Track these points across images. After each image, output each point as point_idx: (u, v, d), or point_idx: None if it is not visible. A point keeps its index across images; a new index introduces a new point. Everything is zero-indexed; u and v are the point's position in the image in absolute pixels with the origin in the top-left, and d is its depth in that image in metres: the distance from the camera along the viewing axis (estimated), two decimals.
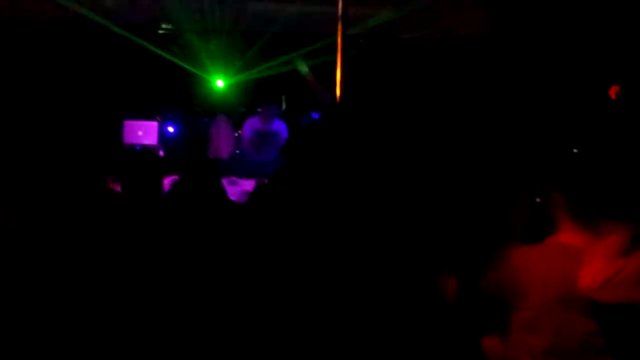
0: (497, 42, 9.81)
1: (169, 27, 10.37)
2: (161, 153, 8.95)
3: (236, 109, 10.24)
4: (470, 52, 9.11)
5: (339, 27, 7.22)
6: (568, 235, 3.00)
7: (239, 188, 7.35)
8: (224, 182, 7.22)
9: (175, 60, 10.21)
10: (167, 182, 7.37)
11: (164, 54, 10.15)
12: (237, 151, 9.25)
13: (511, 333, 3.00)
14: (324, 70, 9.28)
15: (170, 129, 9.60)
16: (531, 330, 2.93)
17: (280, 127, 9.11)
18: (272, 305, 2.80)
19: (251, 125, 9.19)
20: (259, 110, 9.35)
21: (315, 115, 9.25)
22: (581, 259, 2.86)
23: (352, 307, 2.77)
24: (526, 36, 9.53)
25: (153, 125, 9.01)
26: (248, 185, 7.40)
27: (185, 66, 10.30)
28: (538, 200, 3.45)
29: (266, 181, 5.25)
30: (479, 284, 3.04)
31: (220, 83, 10.54)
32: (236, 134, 9.61)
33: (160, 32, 10.40)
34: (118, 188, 3.88)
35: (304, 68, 8.85)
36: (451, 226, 3.29)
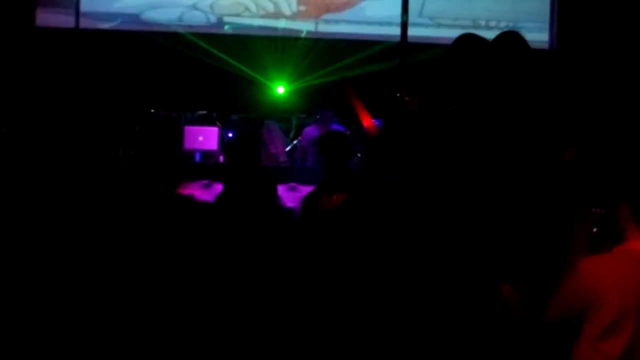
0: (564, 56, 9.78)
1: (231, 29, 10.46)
2: (221, 158, 9.01)
3: (294, 115, 10.27)
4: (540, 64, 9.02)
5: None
6: (637, 243, 2.97)
7: (298, 194, 7.34)
8: (284, 188, 7.25)
9: (238, 65, 10.28)
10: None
11: (227, 58, 10.23)
12: (296, 158, 9.26)
13: (580, 345, 2.96)
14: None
15: (230, 135, 9.65)
16: (607, 339, 2.88)
17: None
18: (334, 308, 2.80)
19: (309, 133, 9.18)
20: (317, 117, 9.35)
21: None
22: None
23: (413, 312, 2.75)
24: (591, 50, 9.47)
25: (213, 130, 9.08)
26: (308, 191, 7.39)
27: (247, 72, 10.37)
28: (599, 211, 3.39)
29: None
30: (546, 296, 3.01)
31: (281, 89, 10.58)
32: (295, 141, 9.63)
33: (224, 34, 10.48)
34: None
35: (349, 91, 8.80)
36: (517, 236, 3.25)
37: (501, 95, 3.71)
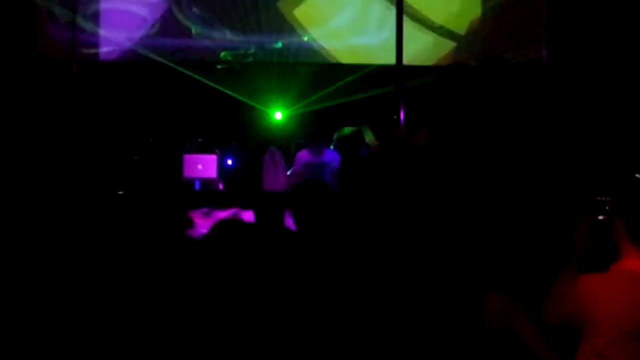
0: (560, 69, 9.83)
1: (228, 62, 10.53)
2: (220, 186, 9.02)
3: (293, 141, 10.29)
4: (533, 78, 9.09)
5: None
6: (633, 262, 2.97)
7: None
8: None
9: (234, 94, 10.34)
10: (227, 214, 7.44)
11: (222, 88, 10.29)
12: (291, 183, 9.27)
13: (580, 358, 2.96)
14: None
15: (229, 162, 9.67)
16: (604, 357, 2.89)
17: (331, 158, 9.07)
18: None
19: (302, 157, 9.18)
20: (309, 141, 9.34)
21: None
22: None
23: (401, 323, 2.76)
24: (586, 64, 9.52)
25: (212, 158, 9.09)
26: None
27: (243, 99, 10.42)
28: (601, 217, 3.41)
29: None
30: (543, 310, 3.02)
31: (278, 115, 10.62)
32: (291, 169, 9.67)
33: (219, 67, 10.55)
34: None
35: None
36: (513, 247, 3.27)
37: (490, 120, 3.78)
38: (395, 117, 7.30)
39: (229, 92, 10.30)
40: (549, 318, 3.01)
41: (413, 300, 2.78)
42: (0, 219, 3.59)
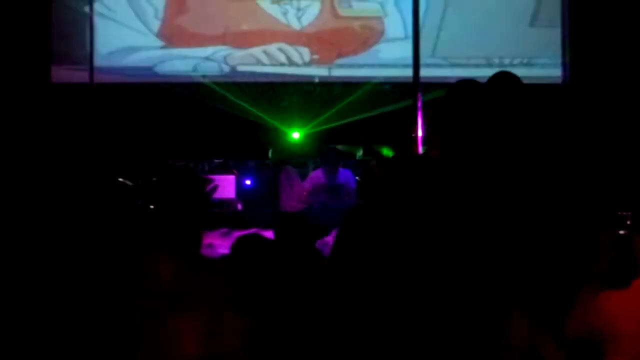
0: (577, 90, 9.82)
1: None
2: (239, 206, 9.03)
3: (310, 159, 10.28)
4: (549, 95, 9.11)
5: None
6: None
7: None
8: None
9: (253, 111, 10.35)
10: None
11: (241, 105, 10.31)
12: (306, 202, 9.24)
13: None
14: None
15: (248, 182, 9.69)
16: None
17: (346, 178, 9.03)
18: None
19: (316, 178, 9.13)
20: (321, 161, 9.31)
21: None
22: None
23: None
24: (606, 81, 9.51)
25: (230, 179, 9.10)
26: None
27: (263, 118, 10.44)
28: (622, 232, 3.38)
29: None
30: (564, 325, 2.99)
31: (296, 135, 10.63)
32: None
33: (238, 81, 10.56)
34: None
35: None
36: (534, 262, 3.24)
37: (500, 135, 3.77)
38: (413, 134, 7.28)
39: (249, 110, 10.32)
40: (571, 333, 2.99)
41: (434, 315, 2.76)
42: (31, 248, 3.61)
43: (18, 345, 3.10)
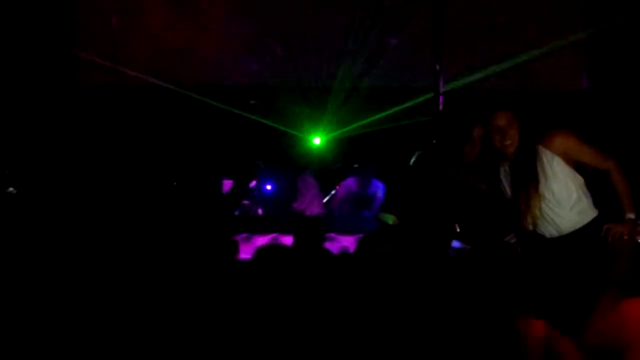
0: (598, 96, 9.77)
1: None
2: (260, 211, 9.06)
3: (331, 166, 10.29)
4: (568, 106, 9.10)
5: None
6: None
7: (337, 244, 7.38)
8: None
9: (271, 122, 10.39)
10: (266, 239, 7.47)
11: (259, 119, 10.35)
12: (333, 207, 9.29)
13: None
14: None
15: (268, 187, 9.70)
16: None
17: (378, 188, 9.07)
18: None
19: (349, 186, 9.20)
20: (356, 169, 9.35)
21: None
22: None
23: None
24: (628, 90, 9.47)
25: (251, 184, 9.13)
26: (346, 241, 7.43)
27: (283, 123, 10.46)
28: None
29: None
30: (585, 333, 3.00)
31: (317, 141, 10.64)
32: (333, 191, 9.65)
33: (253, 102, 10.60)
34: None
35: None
36: (550, 273, 3.26)
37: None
38: (434, 141, 7.29)
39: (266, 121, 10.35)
40: (592, 341, 2.99)
41: (450, 317, 2.79)
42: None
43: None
